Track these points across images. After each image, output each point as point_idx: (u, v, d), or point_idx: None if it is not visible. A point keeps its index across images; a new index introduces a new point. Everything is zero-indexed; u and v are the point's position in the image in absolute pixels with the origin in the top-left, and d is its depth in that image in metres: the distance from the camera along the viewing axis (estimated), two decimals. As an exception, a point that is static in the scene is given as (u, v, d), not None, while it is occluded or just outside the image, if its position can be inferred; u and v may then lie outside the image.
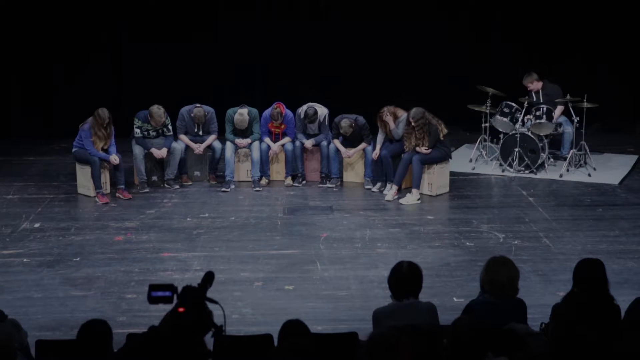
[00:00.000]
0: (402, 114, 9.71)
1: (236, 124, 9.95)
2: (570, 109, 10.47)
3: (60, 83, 12.08)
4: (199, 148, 10.08)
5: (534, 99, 10.73)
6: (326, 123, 10.08)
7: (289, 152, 10.09)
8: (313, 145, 10.12)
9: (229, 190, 9.89)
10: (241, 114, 9.92)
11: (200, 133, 10.15)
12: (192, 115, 10.03)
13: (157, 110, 9.73)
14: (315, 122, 10.01)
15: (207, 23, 12.04)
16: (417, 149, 9.51)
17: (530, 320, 4.96)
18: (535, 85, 10.69)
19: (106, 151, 9.54)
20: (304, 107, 10.05)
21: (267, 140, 10.09)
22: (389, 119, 9.68)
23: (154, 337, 3.49)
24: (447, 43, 12.19)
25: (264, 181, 10.14)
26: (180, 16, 11.98)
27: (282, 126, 10.03)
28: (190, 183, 10.17)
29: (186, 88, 11.45)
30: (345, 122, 9.79)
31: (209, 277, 3.51)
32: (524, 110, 10.54)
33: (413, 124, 9.43)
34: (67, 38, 11.89)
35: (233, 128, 10.05)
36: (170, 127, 9.97)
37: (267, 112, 10.05)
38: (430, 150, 9.49)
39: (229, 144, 10.08)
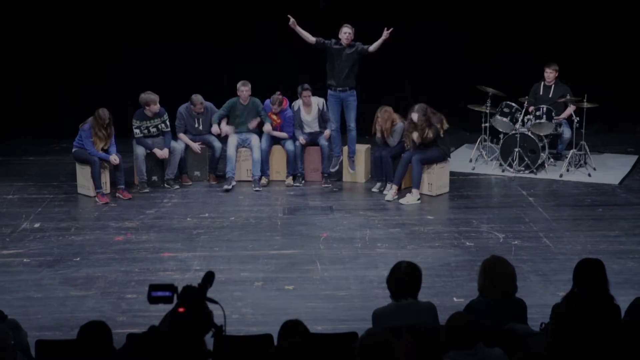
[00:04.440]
0: (398, 123, 9.69)
1: (240, 95, 10.03)
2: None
3: (60, 83, 12.07)
4: (198, 148, 10.08)
5: (541, 93, 10.72)
6: (326, 110, 10.03)
7: (290, 152, 10.10)
8: (313, 145, 10.12)
9: (230, 187, 9.89)
10: (245, 83, 10.05)
11: (201, 127, 10.18)
12: (190, 107, 10.06)
13: (150, 94, 9.76)
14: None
15: (206, 23, 12.03)
16: (415, 138, 9.44)
17: (530, 320, 4.96)
18: (552, 75, 10.65)
19: (106, 151, 9.55)
20: (297, 101, 10.11)
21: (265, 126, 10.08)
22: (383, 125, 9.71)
23: (154, 337, 3.49)
24: (447, 43, 12.20)
25: (264, 181, 10.15)
26: (181, 16, 11.97)
27: (279, 120, 10.05)
28: (190, 183, 10.18)
29: (186, 88, 11.41)
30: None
31: (209, 277, 3.51)
32: (524, 109, 10.55)
33: (415, 121, 9.40)
34: (67, 38, 11.89)
35: (226, 117, 10.12)
36: (168, 122, 9.99)
37: (267, 101, 10.13)
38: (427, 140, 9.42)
39: (230, 140, 10.08)
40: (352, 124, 9.74)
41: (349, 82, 9.57)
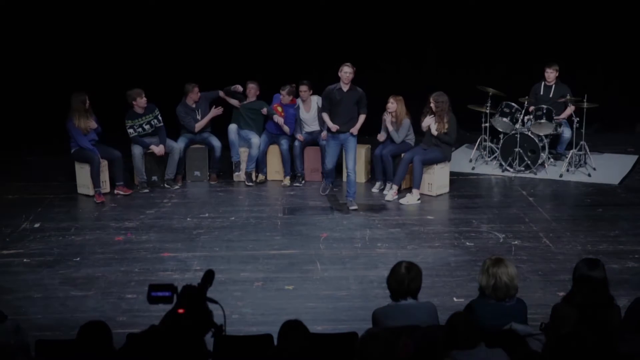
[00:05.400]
0: (406, 119, 9.70)
1: (248, 92, 10.22)
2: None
3: (59, 83, 12.04)
4: (216, 111, 10.22)
5: (541, 93, 10.72)
6: None
7: (284, 151, 10.12)
8: (314, 145, 10.13)
9: (239, 173, 10.04)
10: (253, 82, 10.23)
11: (201, 118, 10.28)
12: (186, 99, 10.16)
13: (134, 89, 9.83)
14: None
15: (206, 25, 12.03)
16: (431, 127, 9.48)
17: (530, 321, 4.96)
18: (553, 75, 10.65)
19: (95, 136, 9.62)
20: (297, 99, 10.15)
21: (275, 117, 10.08)
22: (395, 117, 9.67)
23: (153, 337, 3.49)
24: (447, 42, 12.20)
25: (260, 177, 10.21)
26: (180, 16, 11.97)
27: (282, 113, 10.07)
28: (180, 184, 10.14)
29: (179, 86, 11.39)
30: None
31: (209, 276, 3.51)
32: (524, 109, 10.55)
33: (433, 104, 9.41)
34: (66, 39, 11.88)
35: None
36: (160, 117, 10.02)
37: (276, 95, 10.19)
38: (443, 131, 9.45)
39: (230, 127, 10.18)
40: (351, 168, 9.04)
41: (351, 126, 8.91)
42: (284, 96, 10.03)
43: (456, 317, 4.27)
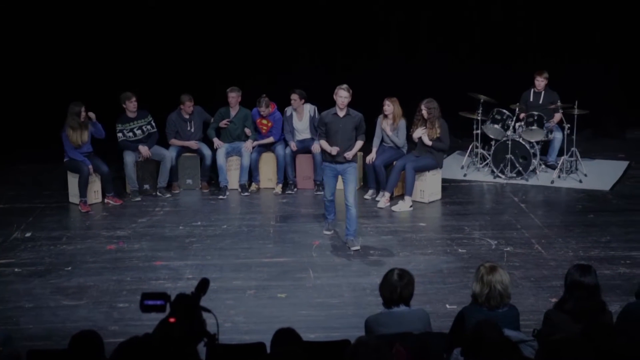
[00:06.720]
0: (402, 120, 9.73)
1: (230, 101, 10.08)
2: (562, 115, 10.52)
3: (53, 90, 12.01)
4: (195, 144, 10.15)
5: (531, 99, 10.76)
6: (317, 117, 9.98)
7: (280, 157, 10.11)
8: (305, 152, 10.12)
9: (225, 197, 9.90)
10: (233, 89, 10.08)
11: (193, 130, 10.21)
12: (180, 109, 10.11)
13: (125, 93, 9.83)
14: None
15: (204, 26, 12.03)
16: (423, 137, 9.50)
17: (523, 327, 4.96)
18: (543, 83, 10.69)
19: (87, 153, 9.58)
20: (289, 107, 10.10)
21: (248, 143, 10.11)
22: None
23: (145, 345, 3.48)
24: (440, 50, 12.23)
25: (253, 187, 10.18)
26: (179, 18, 11.96)
27: (269, 123, 10.05)
28: (178, 191, 10.15)
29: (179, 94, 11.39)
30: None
31: (203, 285, 3.50)
32: (515, 116, 10.58)
33: (425, 111, 9.44)
34: (62, 45, 11.85)
35: (217, 127, 10.19)
36: (153, 123, 10.03)
37: (255, 108, 10.12)
38: (430, 142, 9.47)
39: (219, 150, 10.10)
40: (351, 200, 8.15)
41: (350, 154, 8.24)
42: (263, 110, 9.99)
43: (491, 331, 4.14)
